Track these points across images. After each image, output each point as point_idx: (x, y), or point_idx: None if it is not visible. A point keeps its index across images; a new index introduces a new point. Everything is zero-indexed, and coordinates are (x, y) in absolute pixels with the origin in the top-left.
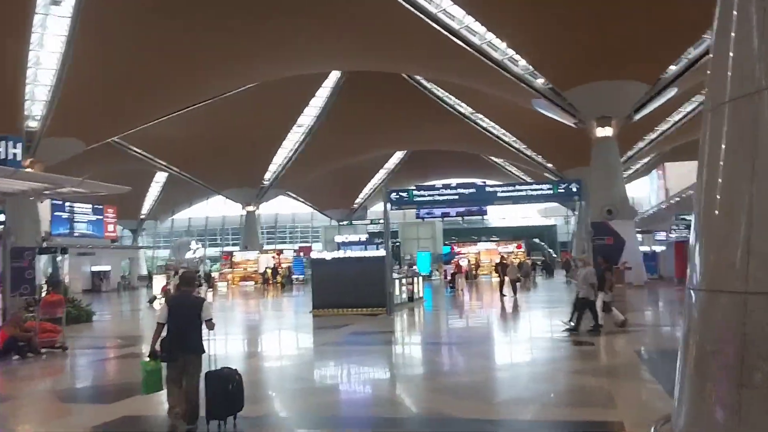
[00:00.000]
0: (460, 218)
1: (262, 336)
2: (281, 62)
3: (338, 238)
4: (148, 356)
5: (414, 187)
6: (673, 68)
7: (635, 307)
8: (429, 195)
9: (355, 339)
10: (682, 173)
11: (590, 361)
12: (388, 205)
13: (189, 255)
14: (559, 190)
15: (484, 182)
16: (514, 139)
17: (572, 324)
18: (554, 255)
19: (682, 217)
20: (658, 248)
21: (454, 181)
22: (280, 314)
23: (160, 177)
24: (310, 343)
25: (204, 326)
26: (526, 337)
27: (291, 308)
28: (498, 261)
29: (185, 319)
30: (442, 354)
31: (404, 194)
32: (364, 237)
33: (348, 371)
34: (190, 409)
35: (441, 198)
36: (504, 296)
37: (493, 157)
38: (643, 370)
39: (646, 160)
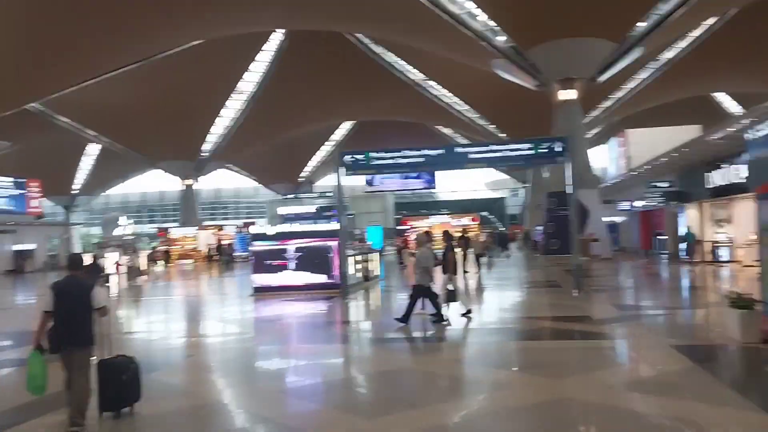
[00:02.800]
0: (410, 192)
1: (173, 332)
2: (218, 19)
3: (282, 211)
4: (34, 350)
5: (372, 151)
6: (641, 25)
7: (618, 284)
8: (390, 158)
9: (295, 327)
10: (644, 140)
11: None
12: (342, 172)
13: (118, 231)
14: (540, 150)
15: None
16: (467, 107)
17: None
18: (502, 228)
19: (654, 184)
20: (617, 219)
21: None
22: (209, 299)
23: (93, 149)
24: (239, 340)
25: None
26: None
27: (228, 290)
28: (460, 235)
29: (73, 307)
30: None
31: (360, 157)
32: (312, 209)
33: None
34: (75, 406)
35: (404, 161)
36: (467, 272)
37: (445, 129)
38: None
39: (597, 129)
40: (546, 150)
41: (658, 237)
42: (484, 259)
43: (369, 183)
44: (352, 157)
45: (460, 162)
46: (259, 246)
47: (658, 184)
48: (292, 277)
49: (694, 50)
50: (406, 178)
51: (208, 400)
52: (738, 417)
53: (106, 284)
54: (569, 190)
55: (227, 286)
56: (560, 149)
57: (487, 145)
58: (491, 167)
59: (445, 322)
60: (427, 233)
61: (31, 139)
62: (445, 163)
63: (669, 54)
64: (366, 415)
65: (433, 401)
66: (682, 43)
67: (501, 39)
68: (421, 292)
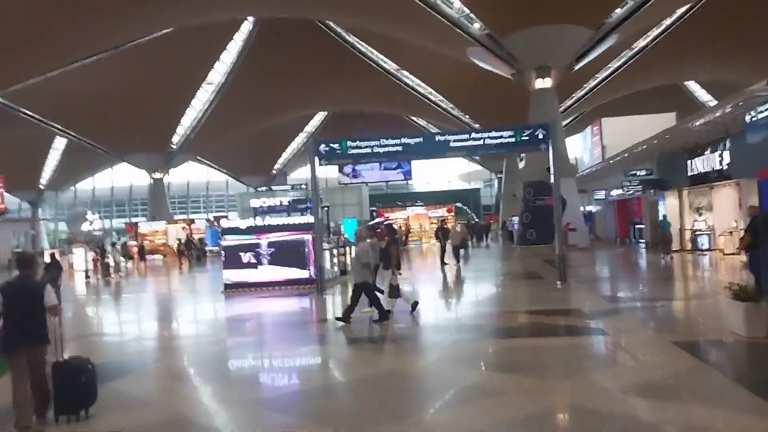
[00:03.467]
0: (384, 183)
1: (136, 333)
2: (190, 4)
3: (255, 203)
4: None
5: (349, 139)
6: (618, 11)
7: (601, 274)
8: (367, 147)
9: (271, 330)
10: (619, 129)
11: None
12: (317, 161)
13: (85, 227)
14: (522, 138)
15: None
16: (441, 98)
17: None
18: (476, 219)
19: (632, 173)
20: (592, 208)
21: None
22: (177, 297)
23: (60, 143)
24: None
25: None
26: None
27: (198, 287)
28: (438, 226)
29: (24, 307)
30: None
31: (336, 146)
32: (285, 201)
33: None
34: (39, 401)
35: (381, 150)
36: (445, 264)
37: (418, 119)
38: None
39: (570, 119)
40: (528, 137)
41: (635, 226)
42: (462, 251)
43: (346, 174)
44: (328, 146)
45: (441, 150)
46: (230, 240)
47: (637, 173)
48: (265, 272)
49: (666, 38)
50: (384, 169)
51: (172, 413)
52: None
53: (57, 283)
54: (552, 178)
55: (197, 283)
56: (542, 136)
57: (468, 133)
58: (472, 155)
59: (386, 321)
60: (371, 228)
61: None
62: (424, 152)
63: (642, 42)
64: (350, 429)
65: (420, 411)
66: (654, 32)
67: (476, 26)
68: (363, 289)
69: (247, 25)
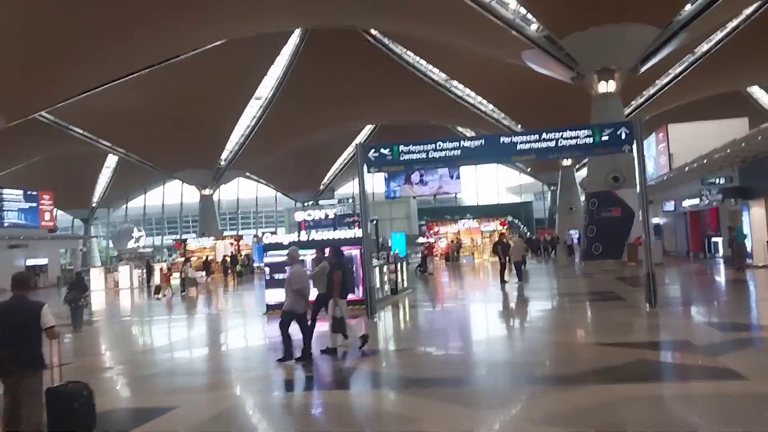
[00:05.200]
0: (432, 197)
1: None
2: (235, 18)
3: (299, 216)
4: None
5: (401, 143)
6: (688, 8)
7: (692, 294)
8: (421, 152)
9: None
10: (687, 135)
11: None
12: (366, 170)
13: (131, 243)
14: (602, 138)
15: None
16: (492, 107)
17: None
18: (528, 233)
19: (711, 182)
20: (659, 220)
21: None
22: (213, 319)
23: (111, 161)
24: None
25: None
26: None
27: (241, 306)
28: (497, 240)
29: (19, 328)
30: None
31: (386, 151)
32: (331, 213)
33: None
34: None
35: (437, 155)
36: (506, 282)
37: (466, 130)
38: None
39: None
40: (608, 137)
41: (710, 239)
42: (524, 267)
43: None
44: (378, 152)
45: (506, 154)
46: (273, 257)
47: (716, 180)
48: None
49: (730, 42)
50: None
51: None
52: None
53: (80, 303)
54: (638, 186)
55: (239, 302)
56: (625, 136)
57: (539, 133)
58: (542, 159)
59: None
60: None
61: (47, 152)
62: (487, 156)
63: (705, 46)
64: None
65: None
66: (719, 35)
67: (533, 28)
68: (291, 319)
69: (294, 39)
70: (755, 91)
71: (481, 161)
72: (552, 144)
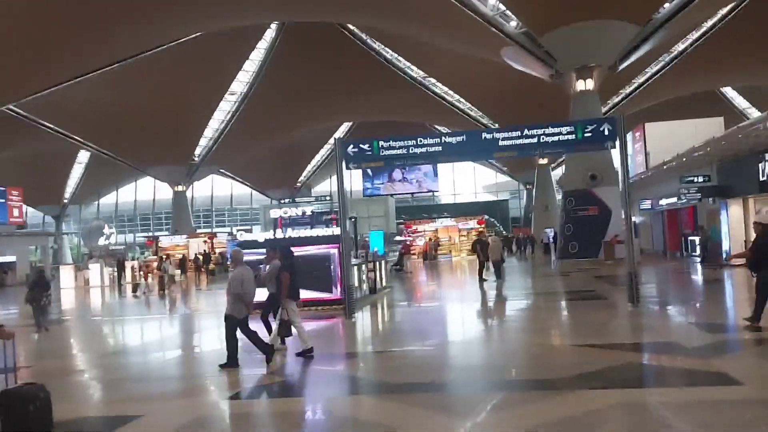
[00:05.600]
0: (410, 196)
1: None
2: (212, 9)
3: (274, 213)
4: None
5: (381, 139)
6: (667, 5)
7: (672, 293)
8: (401, 147)
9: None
10: (664, 134)
11: None
12: (345, 166)
13: (102, 241)
14: (585, 134)
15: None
16: (469, 105)
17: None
18: (505, 232)
19: (689, 180)
20: (635, 219)
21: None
22: (189, 317)
23: (83, 157)
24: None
25: None
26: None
27: (214, 306)
28: (476, 238)
29: None
30: None
31: (366, 147)
32: (308, 211)
33: None
34: None
35: (418, 151)
36: (484, 281)
37: (443, 129)
38: None
39: None
40: (591, 134)
41: (688, 238)
42: (503, 265)
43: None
44: (357, 147)
45: (488, 150)
46: (247, 256)
47: (693, 179)
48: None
49: (704, 43)
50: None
51: None
52: None
53: (42, 302)
54: (621, 184)
55: (212, 302)
56: (608, 132)
57: (520, 129)
58: (525, 155)
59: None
60: (239, 251)
61: (18, 147)
62: (468, 152)
63: (680, 46)
64: None
65: None
66: (695, 34)
67: (513, 24)
68: (234, 325)
69: (270, 33)
70: (728, 91)
71: (462, 158)
72: (534, 140)
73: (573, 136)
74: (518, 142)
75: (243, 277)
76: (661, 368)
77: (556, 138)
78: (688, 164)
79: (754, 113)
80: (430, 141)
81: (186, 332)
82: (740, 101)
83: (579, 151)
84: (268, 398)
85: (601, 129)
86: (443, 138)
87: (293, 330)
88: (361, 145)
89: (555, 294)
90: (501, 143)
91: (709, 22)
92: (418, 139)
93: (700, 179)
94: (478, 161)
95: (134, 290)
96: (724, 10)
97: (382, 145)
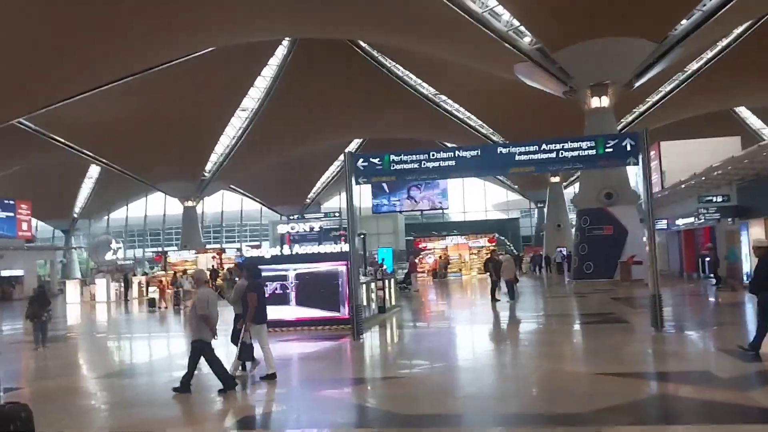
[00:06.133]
0: (419, 212)
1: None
2: (225, 25)
3: (282, 229)
4: None
5: (393, 153)
6: (684, 22)
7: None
8: (413, 162)
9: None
10: (679, 153)
11: None
12: (354, 181)
13: (109, 255)
14: (606, 150)
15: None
16: (480, 123)
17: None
18: (515, 251)
19: (708, 199)
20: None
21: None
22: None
23: (93, 171)
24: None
25: None
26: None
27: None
28: (489, 257)
29: None
30: None
31: (377, 161)
32: (317, 226)
33: None
34: None
35: (431, 165)
36: (497, 301)
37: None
38: None
39: None
40: (612, 149)
41: (705, 258)
42: (516, 285)
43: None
44: (367, 161)
45: (504, 165)
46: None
47: (712, 199)
48: (292, 310)
49: (719, 62)
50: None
51: None
52: None
53: (42, 318)
54: (644, 203)
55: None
56: (630, 148)
57: (538, 144)
58: (543, 171)
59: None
60: (208, 270)
61: (28, 161)
62: (483, 167)
63: (695, 65)
64: None
65: None
66: (708, 54)
67: (527, 40)
68: (202, 351)
69: (281, 50)
70: (742, 111)
71: (477, 173)
72: (552, 155)
73: (594, 152)
74: (536, 157)
75: (209, 299)
76: (695, 402)
77: (576, 153)
78: (707, 184)
79: None
80: (444, 155)
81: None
82: (754, 121)
83: (600, 167)
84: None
85: (623, 144)
86: (457, 152)
87: (258, 354)
88: (371, 159)
89: (571, 316)
90: (518, 158)
91: (724, 41)
92: (431, 154)
93: (719, 199)
94: (490, 178)
95: (151, 305)
96: (740, 29)
97: (393, 159)
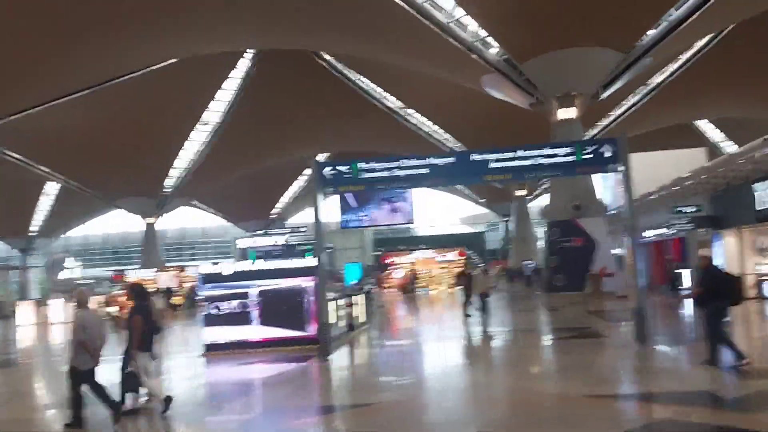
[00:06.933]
0: (384, 226)
1: None
2: (187, 36)
3: (243, 243)
4: None
5: (361, 160)
6: (651, 33)
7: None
8: (383, 170)
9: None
10: (645, 164)
11: None
12: (320, 195)
13: (65, 274)
14: (584, 156)
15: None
16: (447, 136)
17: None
18: (482, 264)
19: (679, 210)
20: (618, 251)
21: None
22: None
23: (51, 188)
24: None
25: None
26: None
27: (174, 347)
28: (460, 271)
29: None
30: None
31: (345, 169)
32: (281, 241)
33: None
34: None
35: (402, 173)
36: (469, 316)
37: None
38: None
39: None
40: (591, 155)
41: (675, 270)
42: (489, 299)
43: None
44: (334, 169)
45: (478, 173)
46: (212, 291)
47: (683, 209)
48: (254, 330)
49: (683, 74)
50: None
51: None
52: None
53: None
54: (628, 209)
55: (175, 340)
56: (610, 154)
57: (514, 150)
58: (518, 179)
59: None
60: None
61: None
62: (457, 175)
63: (658, 78)
64: None
65: None
66: (672, 67)
67: (494, 51)
68: (80, 379)
69: (243, 62)
70: (702, 124)
71: (450, 181)
72: (529, 162)
73: (572, 158)
74: (511, 164)
75: (85, 322)
76: (709, 429)
77: (553, 160)
78: (678, 194)
79: (729, 146)
80: (416, 163)
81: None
82: (714, 134)
83: (578, 174)
84: None
85: (601, 150)
86: (429, 159)
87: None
88: (338, 168)
89: (549, 331)
90: (492, 165)
91: (687, 54)
92: (402, 161)
93: (692, 209)
94: (457, 191)
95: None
96: (702, 42)
97: (362, 167)
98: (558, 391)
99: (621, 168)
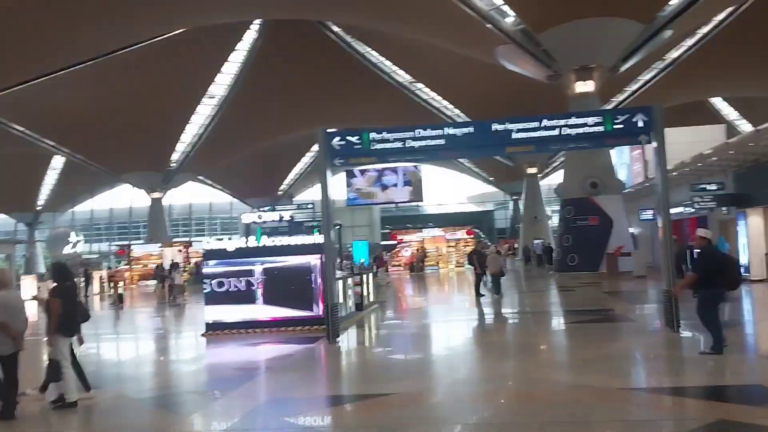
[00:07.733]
0: (394, 206)
1: None
2: (190, 5)
3: (246, 218)
4: None
5: (372, 130)
6: (673, 3)
7: None
8: (397, 140)
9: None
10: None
11: None
12: (329, 166)
13: (68, 249)
14: (615, 126)
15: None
16: (458, 112)
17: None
18: (490, 243)
19: (701, 187)
20: (634, 230)
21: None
22: (143, 340)
23: (57, 162)
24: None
25: None
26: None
27: (175, 326)
28: (473, 249)
29: None
30: None
31: (355, 139)
32: (286, 216)
33: None
34: None
35: (417, 144)
36: (482, 296)
37: None
38: None
39: None
40: (622, 125)
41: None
42: (501, 279)
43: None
44: (344, 139)
45: (499, 144)
46: (214, 268)
47: (706, 187)
48: (260, 309)
49: (698, 51)
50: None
51: None
52: None
53: None
54: (660, 185)
55: (176, 319)
56: (643, 124)
57: (539, 120)
58: (541, 151)
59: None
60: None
61: None
62: (476, 146)
63: (674, 53)
64: None
65: None
66: (688, 42)
67: (510, 21)
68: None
69: (250, 35)
70: (717, 102)
71: (469, 153)
72: (554, 133)
73: (601, 128)
74: (535, 134)
75: (5, 303)
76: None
77: (580, 130)
78: (700, 171)
79: (744, 124)
80: (431, 133)
81: (143, 353)
82: (729, 112)
83: (608, 146)
84: None
85: (635, 120)
86: (446, 129)
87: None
88: (348, 137)
89: (568, 313)
90: (515, 135)
91: (704, 29)
92: (417, 131)
93: (713, 187)
94: (466, 170)
95: (120, 301)
96: (720, 16)
97: (373, 138)
98: (587, 383)
99: (654, 141)
